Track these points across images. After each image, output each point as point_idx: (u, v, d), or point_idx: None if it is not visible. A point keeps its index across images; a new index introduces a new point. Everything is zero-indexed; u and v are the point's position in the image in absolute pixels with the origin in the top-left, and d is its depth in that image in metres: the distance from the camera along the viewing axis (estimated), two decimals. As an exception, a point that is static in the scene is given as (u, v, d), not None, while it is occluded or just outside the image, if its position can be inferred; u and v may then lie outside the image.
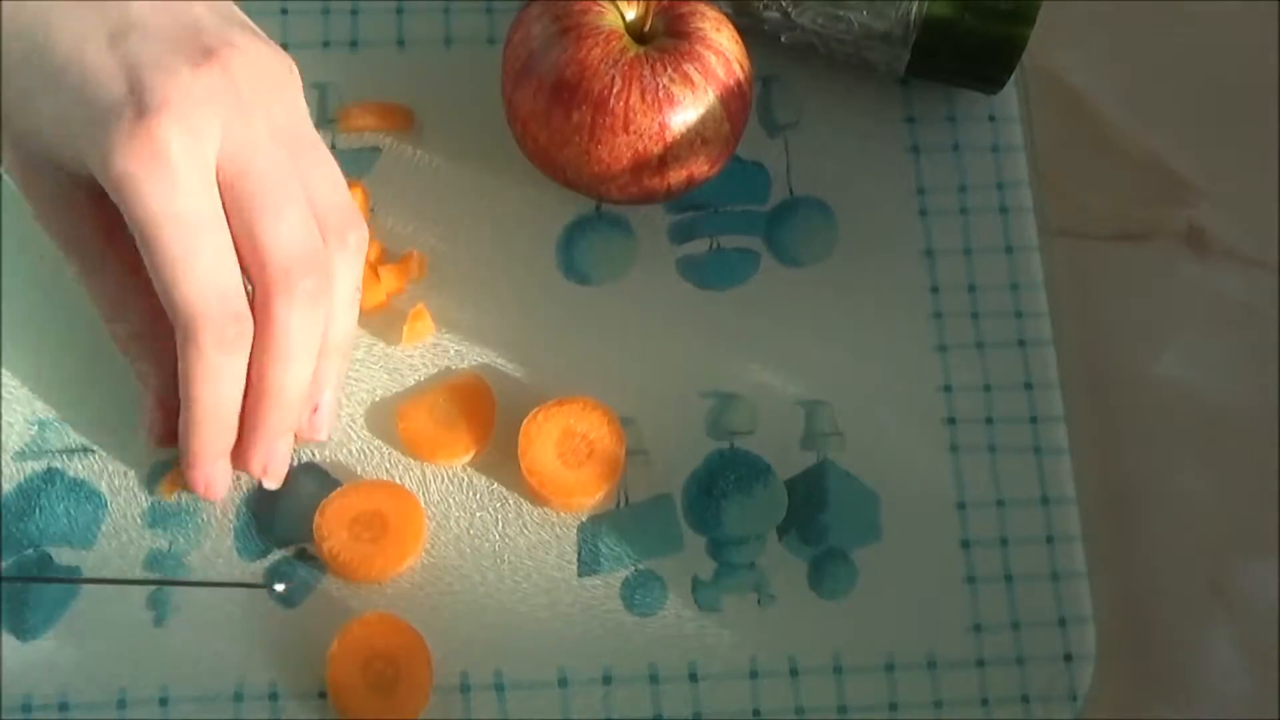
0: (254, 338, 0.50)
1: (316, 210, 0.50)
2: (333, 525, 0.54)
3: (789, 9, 0.58)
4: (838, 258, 0.59)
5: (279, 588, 0.54)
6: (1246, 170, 0.62)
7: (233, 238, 0.49)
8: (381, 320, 0.57)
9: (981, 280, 0.59)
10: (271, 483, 0.54)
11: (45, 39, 0.48)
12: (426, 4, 0.61)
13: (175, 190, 0.47)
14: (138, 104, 0.47)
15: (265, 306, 0.50)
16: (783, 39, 0.59)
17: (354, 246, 0.52)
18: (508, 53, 0.56)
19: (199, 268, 0.48)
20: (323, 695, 0.53)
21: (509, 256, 0.58)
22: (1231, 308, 0.60)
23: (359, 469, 0.56)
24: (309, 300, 0.50)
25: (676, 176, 0.55)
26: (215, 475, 0.53)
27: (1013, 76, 0.59)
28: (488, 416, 0.56)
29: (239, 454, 0.53)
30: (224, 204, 0.49)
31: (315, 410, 0.54)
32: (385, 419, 0.56)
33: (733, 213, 0.59)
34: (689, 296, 0.58)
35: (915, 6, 0.57)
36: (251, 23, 0.51)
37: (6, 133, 0.51)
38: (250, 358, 0.50)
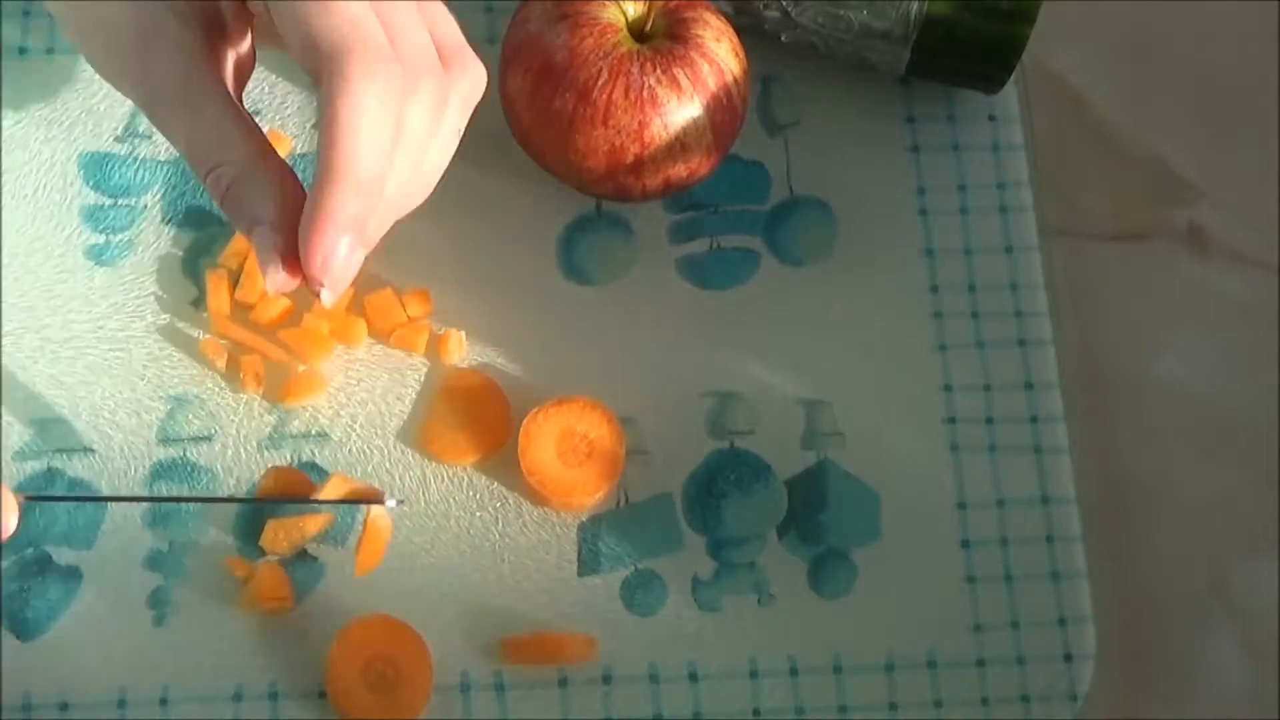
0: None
1: (439, 43, 0.48)
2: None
3: (789, 9, 0.58)
4: (838, 258, 0.59)
5: (392, 503, 0.53)
6: (1246, 170, 0.62)
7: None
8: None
9: (981, 280, 0.59)
10: (328, 292, 0.48)
11: None
12: (426, 4, 0.61)
13: None
14: None
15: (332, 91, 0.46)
16: (783, 39, 0.59)
17: (471, 83, 0.49)
18: (508, 32, 0.56)
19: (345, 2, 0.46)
20: (323, 695, 0.53)
21: (509, 256, 0.58)
22: (1231, 308, 0.60)
23: (358, 469, 0.56)
24: (430, 99, 0.47)
25: (652, 179, 0.55)
26: (335, 250, 0.47)
27: (1013, 76, 0.59)
28: (503, 420, 0.56)
29: (306, 241, 0.47)
30: None
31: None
32: (386, 419, 0.56)
33: (733, 213, 0.59)
34: (689, 296, 0.58)
35: (915, 6, 0.57)
36: None
37: None
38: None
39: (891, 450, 0.57)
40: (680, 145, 0.54)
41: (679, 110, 0.54)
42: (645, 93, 0.54)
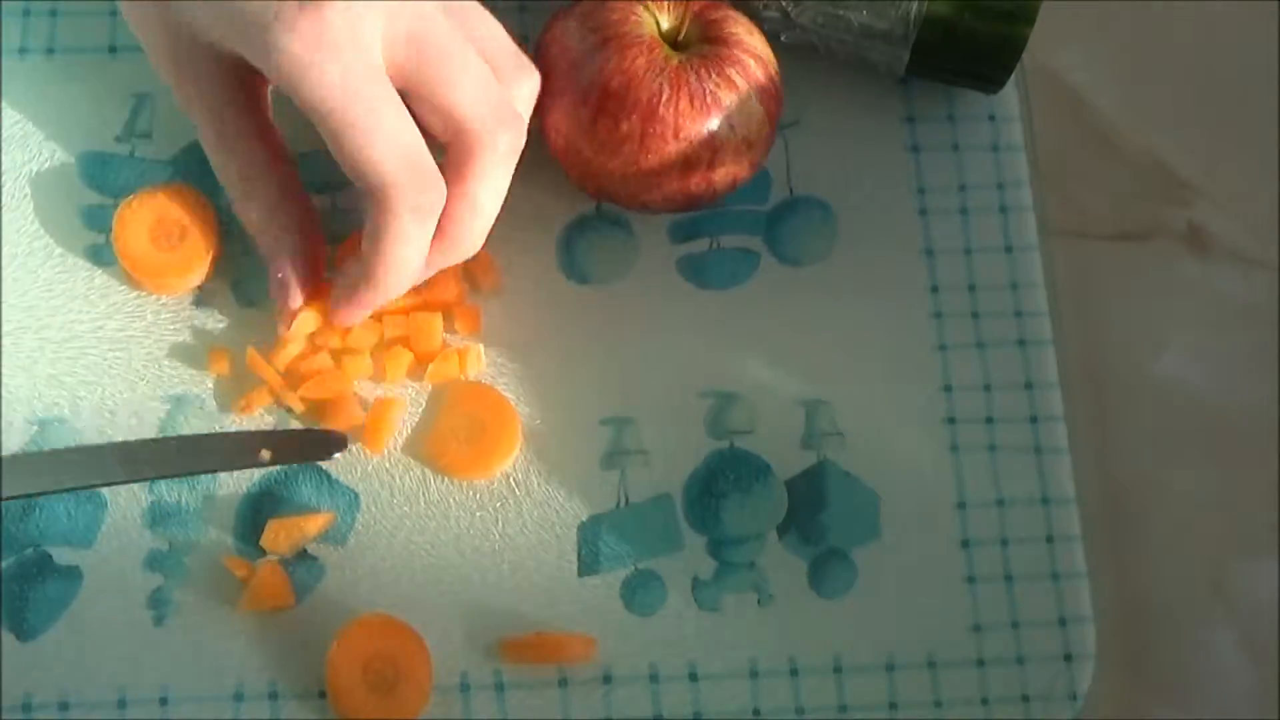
0: (452, 195, 0.52)
1: (491, 63, 0.53)
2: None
3: (789, 9, 0.58)
4: (838, 258, 0.59)
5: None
6: (1246, 170, 0.62)
7: (423, 109, 0.51)
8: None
9: (981, 280, 0.59)
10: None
11: None
12: (426, 4, 0.61)
13: (347, 69, 0.49)
14: None
15: (464, 165, 0.52)
16: (783, 39, 0.59)
17: (528, 93, 0.54)
18: (541, 67, 0.55)
19: (383, 136, 0.50)
20: (323, 695, 0.53)
21: (509, 256, 0.58)
22: (1231, 308, 0.60)
23: (357, 469, 0.56)
24: (509, 155, 0.52)
25: (723, 180, 0.55)
26: (358, 319, 0.55)
27: (1013, 76, 0.59)
28: (510, 434, 0.56)
29: (335, 315, 0.55)
30: (409, 78, 0.51)
31: None
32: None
33: (733, 212, 0.60)
34: (689, 296, 0.58)
35: (915, 6, 0.57)
36: None
37: (166, 25, 0.53)
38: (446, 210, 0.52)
39: (891, 450, 0.57)
40: (746, 143, 0.55)
41: (740, 108, 0.54)
42: (709, 98, 0.54)
